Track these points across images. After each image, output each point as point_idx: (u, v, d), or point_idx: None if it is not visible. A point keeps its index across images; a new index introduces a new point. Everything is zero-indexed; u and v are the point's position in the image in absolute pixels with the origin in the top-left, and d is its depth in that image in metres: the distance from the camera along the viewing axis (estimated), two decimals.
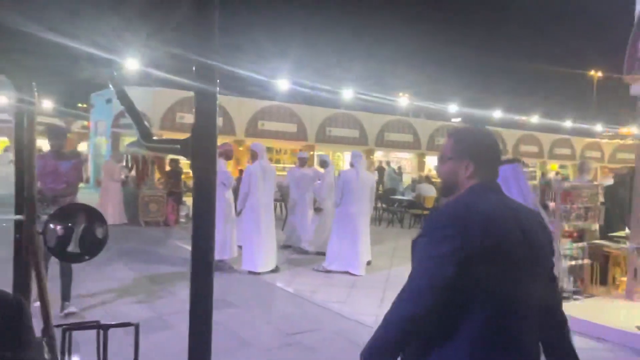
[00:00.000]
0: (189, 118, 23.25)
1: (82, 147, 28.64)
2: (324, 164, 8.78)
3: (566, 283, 5.99)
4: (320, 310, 5.59)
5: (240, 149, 24.92)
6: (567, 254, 5.97)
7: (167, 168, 12.66)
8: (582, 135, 38.38)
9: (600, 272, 6.47)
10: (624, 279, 6.28)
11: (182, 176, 12.49)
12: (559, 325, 1.73)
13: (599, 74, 43.98)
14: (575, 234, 6.03)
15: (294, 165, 25.05)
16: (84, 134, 29.45)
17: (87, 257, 1.77)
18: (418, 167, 29.71)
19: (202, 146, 1.22)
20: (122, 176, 11.59)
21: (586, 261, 6.14)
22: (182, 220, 12.18)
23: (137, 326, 1.67)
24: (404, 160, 30.60)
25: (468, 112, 32.42)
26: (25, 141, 1.75)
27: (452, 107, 31.33)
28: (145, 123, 1.42)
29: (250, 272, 7.05)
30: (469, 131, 1.76)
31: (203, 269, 1.19)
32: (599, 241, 6.34)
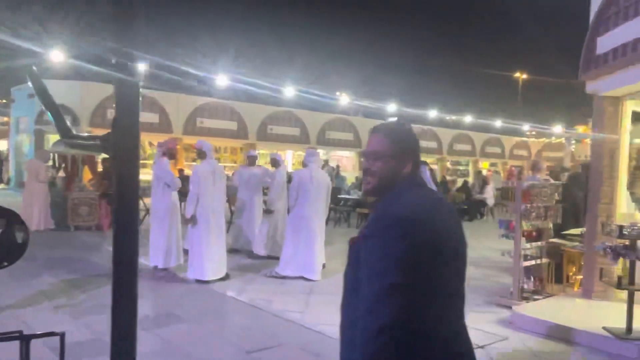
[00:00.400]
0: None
1: (1, 145, 26.46)
2: (275, 162, 8.35)
3: (526, 283, 5.95)
4: (279, 322, 5.19)
5: (178, 147, 23.89)
6: (527, 254, 5.93)
7: (100, 168, 11.74)
8: (510, 134, 40.16)
9: (555, 271, 6.52)
10: (579, 277, 6.35)
11: None
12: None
13: (524, 75, 46.44)
14: (533, 234, 6.00)
15: (234, 164, 24.41)
16: (4, 131, 27.21)
17: (5, 264, 1.65)
18: (359, 166, 29.84)
19: (123, 142, 1.12)
20: (49, 177, 10.56)
21: (544, 260, 6.15)
22: None
23: (62, 335, 1.59)
24: (344, 158, 30.66)
25: (405, 112, 32.86)
26: None
27: (391, 107, 31.65)
28: (66, 119, 1.32)
29: (198, 281, 6.51)
30: (403, 128, 1.73)
31: (126, 277, 1.12)
32: (556, 240, 6.38)
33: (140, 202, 11.98)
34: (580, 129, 29.57)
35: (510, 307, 5.63)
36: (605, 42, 5.48)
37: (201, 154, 6.64)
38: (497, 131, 38.82)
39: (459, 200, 15.80)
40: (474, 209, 16.26)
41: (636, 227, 4.38)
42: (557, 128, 40.04)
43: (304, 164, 7.10)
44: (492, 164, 40.59)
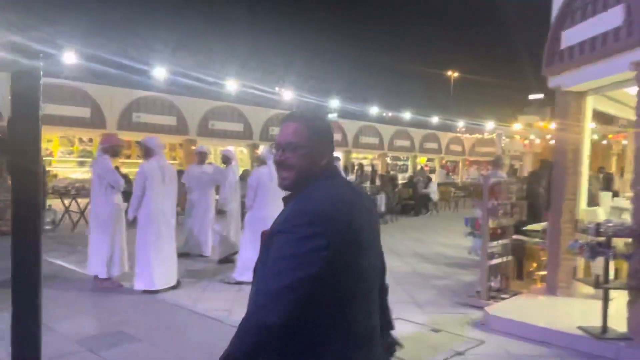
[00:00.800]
0: (54, 109, 20.43)
1: None
2: (226, 159, 7.82)
3: (493, 282, 5.85)
4: None
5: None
6: (493, 252, 5.82)
7: None
8: (445, 130, 41.31)
9: (516, 267, 6.49)
10: (541, 273, 6.34)
11: (47, 177, 10.59)
12: (385, 293, 1.85)
13: (456, 73, 48.12)
14: (498, 231, 5.91)
15: (174, 161, 23.33)
16: None
17: None
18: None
19: (21, 139, 1.05)
20: None
21: (510, 258, 6.08)
22: (47, 227, 10.36)
23: None
24: None
25: (347, 108, 33.02)
26: None
27: (334, 102, 31.67)
28: None
29: (146, 291, 5.91)
30: (318, 118, 1.64)
31: (27, 290, 1.04)
32: (518, 237, 6.33)
33: (74, 204, 11.05)
34: (541, 124, 30.73)
35: (479, 307, 5.51)
36: (572, 36, 5.44)
37: (148, 152, 6.03)
38: (434, 127, 39.90)
39: (405, 195, 15.85)
40: (420, 204, 16.38)
41: (611, 225, 4.33)
42: (490, 124, 41.62)
43: (262, 161, 6.65)
44: (429, 159, 41.63)
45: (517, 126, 39.46)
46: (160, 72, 22.72)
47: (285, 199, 1.62)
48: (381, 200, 13.55)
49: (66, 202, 11.07)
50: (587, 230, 4.43)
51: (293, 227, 1.42)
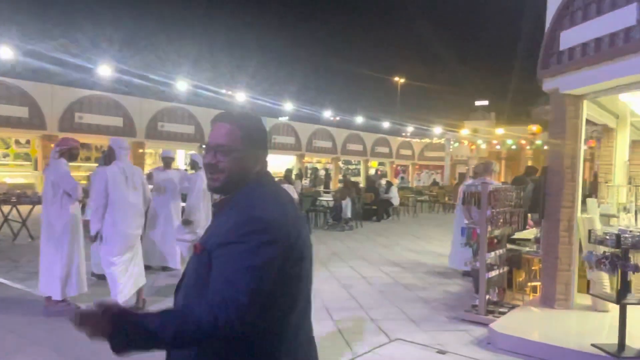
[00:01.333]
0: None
1: None
2: (194, 165, 7.14)
3: (492, 294, 5.54)
4: None
5: (52, 145, 20.99)
6: (490, 263, 5.52)
7: None
8: (395, 135, 41.76)
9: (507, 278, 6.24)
10: (534, 283, 6.12)
11: None
12: None
13: (404, 79, 49.00)
14: (495, 241, 5.62)
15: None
16: None
17: None
18: None
19: None
20: None
21: (506, 269, 5.81)
22: None
23: None
24: None
25: (301, 112, 32.63)
26: None
27: (288, 106, 31.19)
28: None
29: None
30: (252, 119, 1.55)
31: None
32: (514, 247, 6.08)
33: (14, 211, 9.92)
34: (533, 127, 31.25)
35: (479, 324, 5.18)
36: (572, 37, 5.23)
37: (110, 155, 5.31)
38: (385, 132, 40.25)
39: (368, 200, 15.56)
40: (381, 209, 16.16)
41: (629, 236, 4.09)
42: (437, 129, 42.39)
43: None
44: (380, 164, 41.93)
45: (464, 131, 40.51)
46: (105, 70, 21.42)
47: (215, 205, 1.54)
48: (347, 206, 13.17)
49: (4, 209, 9.94)
50: (605, 241, 4.17)
51: (244, 235, 1.32)
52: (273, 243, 1.32)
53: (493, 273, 5.49)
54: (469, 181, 7.96)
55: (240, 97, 28.28)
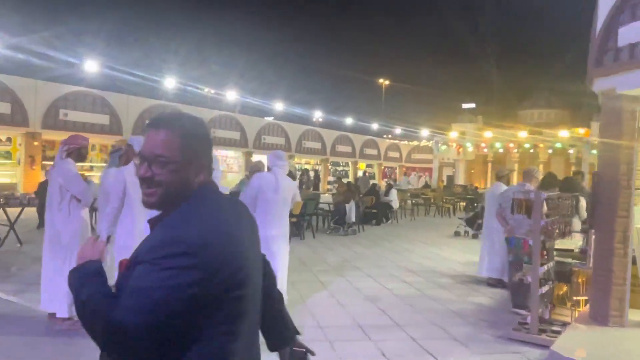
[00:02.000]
0: None
1: None
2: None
3: (544, 312, 5.11)
4: None
5: (35, 143, 20.11)
6: (543, 278, 5.08)
7: None
8: (384, 137, 41.52)
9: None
10: (579, 297, 5.71)
11: None
12: (281, 301, 1.73)
13: (389, 82, 48.94)
14: (544, 253, 5.19)
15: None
16: None
17: None
18: (245, 166, 28.19)
19: None
20: None
21: (555, 283, 5.39)
22: None
23: None
24: (230, 158, 28.77)
25: (290, 112, 32.11)
26: None
27: (278, 106, 30.62)
28: None
29: None
30: (191, 122, 1.36)
31: None
32: (563, 259, 5.66)
33: (0, 214, 9.16)
34: (582, 131, 30.98)
35: (533, 344, 4.75)
36: (632, 32, 4.82)
37: (129, 154, 4.74)
38: (373, 134, 39.96)
39: (368, 204, 15.11)
40: (381, 212, 15.73)
41: None
42: (425, 132, 42.17)
43: (267, 168, 5.53)
44: (368, 165, 41.62)
45: (453, 134, 40.42)
46: (91, 66, 20.60)
47: (151, 221, 1.38)
48: (350, 210, 12.69)
49: None
50: None
51: (162, 258, 1.18)
52: (191, 267, 1.17)
53: (545, 288, 5.06)
54: (496, 186, 7.56)
55: (230, 95, 27.64)
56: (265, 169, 5.78)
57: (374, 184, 17.02)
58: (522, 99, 43.14)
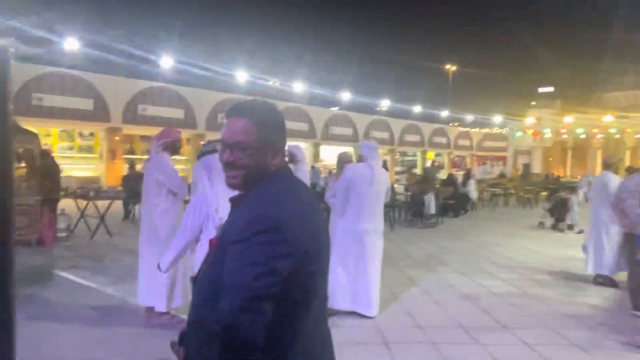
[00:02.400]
0: (54, 100, 18.80)
1: None
2: (292, 158, 6.38)
3: None
4: None
5: (116, 138, 21.00)
6: None
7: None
8: (452, 124, 40.16)
9: None
10: None
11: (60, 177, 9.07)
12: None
13: (459, 67, 47.05)
14: None
15: (181, 157, 21.77)
16: None
17: None
18: (314, 157, 28.18)
19: None
20: None
21: None
22: (63, 234, 8.88)
23: None
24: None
25: (358, 101, 31.73)
26: None
27: (346, 95, 30.34)
28: None
29: None
30: (265, 109, 1.46)
31: None
32: None
33: (85, 205, 9.49)
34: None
35: None
36: None
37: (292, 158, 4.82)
38: (442, 121, 38.73)
39: (446, 195, 14.50)
40: (460, 204, 15.06)
41: None
42: (498, 118, 40.32)
43: (358, 158, 5.26)
44: (437, 154, 40.43)
45: (529, 120, 38.38)
46: (166, 62, 21.20)
47: (233, 200, 1.49)
48: (430, 201, 12.19)
49: (80, 205, 9.54)
50: None
51: (252, 234, 1.28)
52: (281, 242, 1.27)
53: None
54: (603, 175, 6.86)
55: (298, 87, 27.64)
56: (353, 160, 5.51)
57: (451, 174, 16.34)
58: (606, 81, 40.23)
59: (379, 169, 5.12)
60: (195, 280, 1.49)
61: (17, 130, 7.38)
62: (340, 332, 4.66)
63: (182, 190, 4.58)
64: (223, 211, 3.32)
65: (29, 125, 13.39)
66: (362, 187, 5.03)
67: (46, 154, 8.72)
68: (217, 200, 3.48)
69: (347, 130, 31.29)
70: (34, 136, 8.45)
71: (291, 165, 6.48)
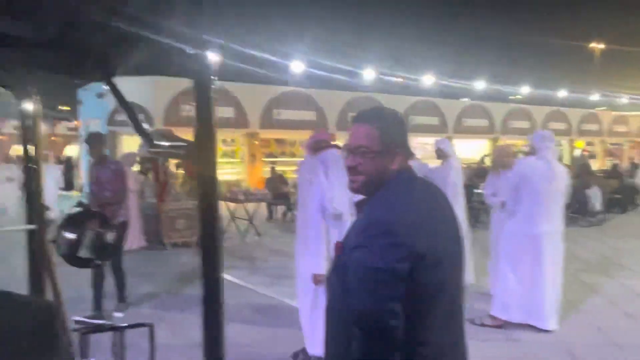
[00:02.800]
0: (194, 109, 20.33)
1: (72, 150, 25.75)
2: (441, 154, 5.93)
3: None
4: None
5: (255, 142, 22.07)
6: None
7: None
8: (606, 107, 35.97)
9: None
10: None
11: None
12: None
13: (602, 46, 41.89)
14: None
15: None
16: (72, 137, 26.64)
17: (98, 262, 1.87)
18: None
19: (203, 142, 1.10)
20: (139, 184, 8.59)
21: None
22: None
23: (151, 327, 1.66)
24: (428, 145, 27.91)
25: (495, 89, 29.82)
26: (31, 151, 1.84)
27: (479, 84, 28.69)
28: (144, 125, 1.45)
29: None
30: (388, 115, 1.56)
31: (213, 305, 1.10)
32: None
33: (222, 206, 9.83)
34: None
35: None
36: None
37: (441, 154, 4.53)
38: (588, 106, 34.85)
39: (610, 188, 12.77)
40: (627, 197, 13.19)
41: None
42: None
43: (530, 150, 4.65)
44: (588, 143, 36.45)
45: None
46: (297, 66, 21.75)
47: (357, 205, 1.55)
48: (595, 196, 10.78)
49: (231, 207, 9.99)
50: None
51: (370, 239, 1.36)
52: (397, 245, 1.32)
53: None
54: None
55: (428, 80, 26.72)
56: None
57: (615, 164, 14.44)
58: None
59: (556, 162, 4.45)
60: (327, 279, 1.57)
61: (175, 138, 7.80)
62: (518, 346, 4.12)
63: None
64: (338, 202, 3.44)
65: (179, 133, 14.47)
66: (537, 184, 4.40)
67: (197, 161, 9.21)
68: (333, 192, 3.51)
69: (482, 121, 29.58)
70: (171, 134, 8.98)
71: (440, 162, 6.03)
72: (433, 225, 1.41)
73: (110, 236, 1.80)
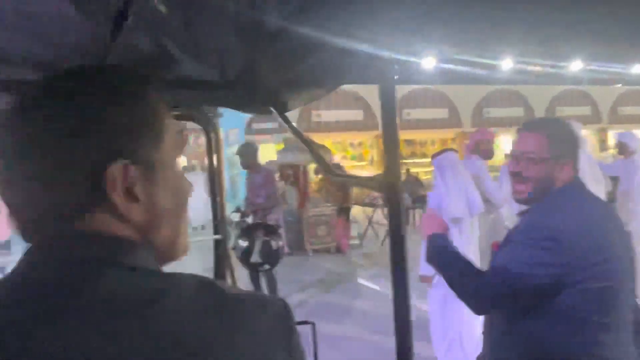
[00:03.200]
0: (328, 115, 20.70)
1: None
2: (623, 147, 5.12)
3: None
4: None
5: (466, 141, 21.89)
6: None
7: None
8: None
9: None
10: None
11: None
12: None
13: None
14: None
15: None
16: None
17: (267, 266, 2.29)
18: (600, 146, 24.27)
19: (388, 152, 1.10)
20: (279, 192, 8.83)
21: None
22: (356, 242, 9.25)
23: (313, 325, 1.68)
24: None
25: None
26: (215, 166, 2.00)
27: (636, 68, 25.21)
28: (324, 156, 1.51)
29: None
30: (559, 124, 1.60)
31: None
32: None
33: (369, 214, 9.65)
34: None
35: None
36: None
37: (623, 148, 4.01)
38: None
39: None
40: None
41: None
42: None
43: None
44: None
45: None
46: (429, 62, 21.03)
47: (521, 212, 1.57)
48: None
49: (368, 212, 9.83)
50: None
51: (527, 238, 1.39)
52: (551, 251, 1.31)
53: None
54: None
55: (575, 66, 24.23)
56: None
57: None
58: None
59: None
60: None
61: (315, 145, 7.83)
62: None
63: (496, 197, 3.93)
64: (455, 207, 3.40)
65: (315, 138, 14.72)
66: None
67: (338, 166, 9.23)
68: (449, 197, 3.47)
69: None
70: (328, 150, 9.04)
71: (622, 157, 5.22)
72: (601, 239, 1.37)
73: (275, 244, 2.00)
